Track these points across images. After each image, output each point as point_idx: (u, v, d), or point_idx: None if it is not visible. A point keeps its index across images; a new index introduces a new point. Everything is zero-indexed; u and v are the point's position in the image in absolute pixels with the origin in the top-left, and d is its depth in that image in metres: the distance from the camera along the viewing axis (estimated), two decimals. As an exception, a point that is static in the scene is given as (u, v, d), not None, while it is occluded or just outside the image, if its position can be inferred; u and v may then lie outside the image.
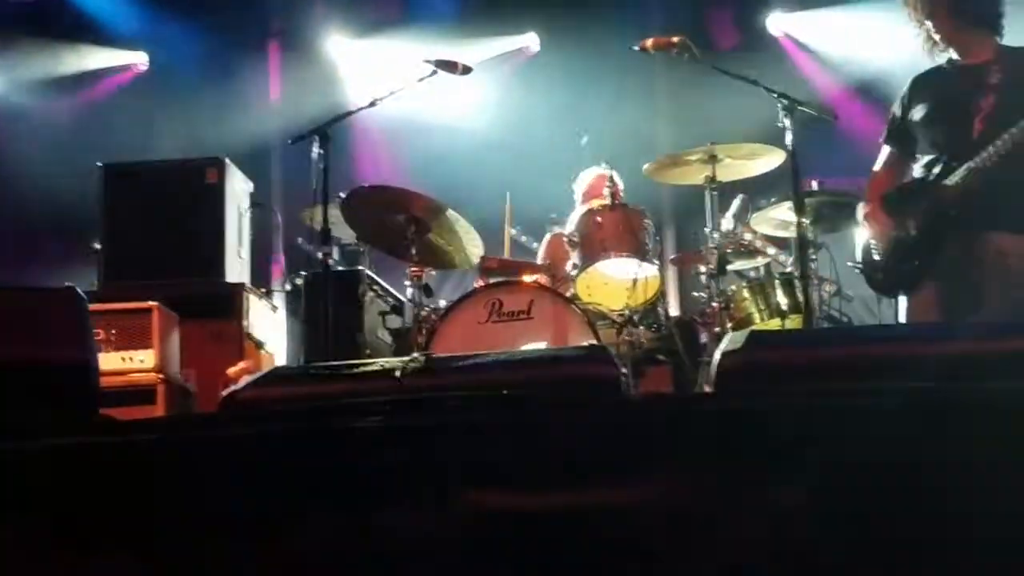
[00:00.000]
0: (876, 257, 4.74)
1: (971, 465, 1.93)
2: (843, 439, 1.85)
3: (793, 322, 5.85)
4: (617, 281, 5.75)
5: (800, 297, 5.48)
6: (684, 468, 2.02)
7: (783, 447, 1.91)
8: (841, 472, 1.83)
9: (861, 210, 4.87)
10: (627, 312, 5.74)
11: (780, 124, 4.98)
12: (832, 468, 1.84)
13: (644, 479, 2.06)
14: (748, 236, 6.09)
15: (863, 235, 4.88)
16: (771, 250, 6.23)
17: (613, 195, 5.90)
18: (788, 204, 5.45)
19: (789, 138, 4.98)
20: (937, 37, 4.66)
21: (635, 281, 5.68)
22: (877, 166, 4.94)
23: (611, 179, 5.98)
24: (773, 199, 5.96)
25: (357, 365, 2.73)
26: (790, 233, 5.76)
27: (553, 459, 2.10)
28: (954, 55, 4.70)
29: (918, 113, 4.73)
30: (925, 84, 4.79)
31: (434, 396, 2.23)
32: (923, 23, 4.68)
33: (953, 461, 1.94)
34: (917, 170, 4.76)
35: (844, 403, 1.86)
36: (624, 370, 2.44)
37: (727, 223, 5.98)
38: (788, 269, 6.05)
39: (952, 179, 4.45)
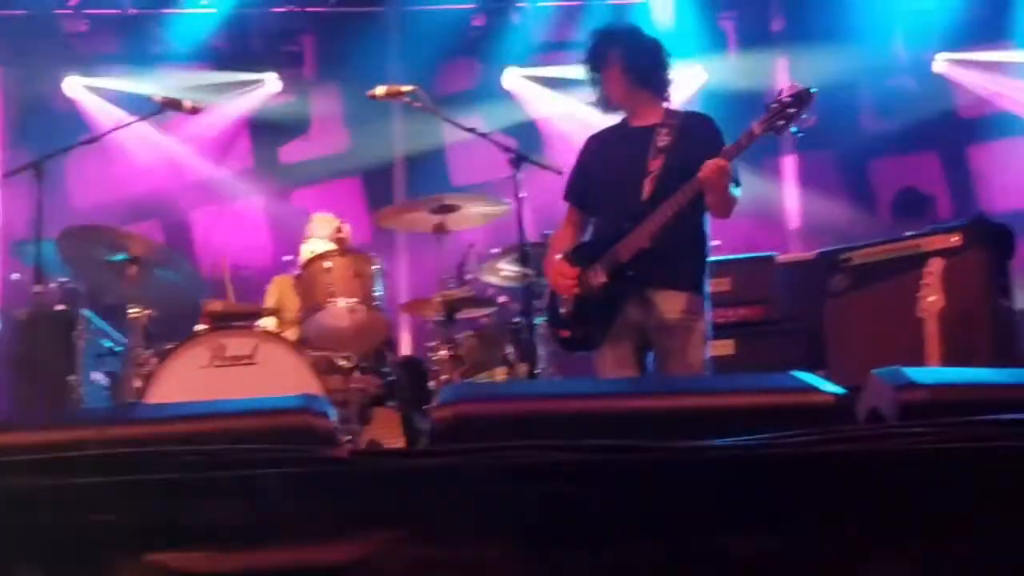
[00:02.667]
0: (562, 312, 4.78)
1: (667, 520, 1.97)
2: (539, 495, 1.86)
3: (519, 372, 5.94)
4: (344, 327, 5.70)
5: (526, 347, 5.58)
6: (389, 525, 1.99)
7: (486, 503, 1.90)
8: (533, 531, 1.84)
9: (545, 265, 4.92)
10: (355, 358, 5.69)
11: (508, 177, 5.07)
12: (525, 525, 1.85)
13: (350, 537, 2.02)
14: (478, 285, 6.16)
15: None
16: (501, 299, 6.33)
17: (340, 241, 5.86)
18: (515, 255, 5.54)
19: (517, 190, 5.07)
20: (610, 97, 4.80)
21: (363, 327, 5.64)
22: (561, 223, 4.99)
23: (339, 227, 5.94)
24: (500, 249, 6.05)
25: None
26: (519, 283, 5.86)
27: (255, 516, 2.03)
28: (626, 116, 4.84)
29: (593, 172, 4.84)
30: (599, 144, 4.92)
31: (132, 451, 2.11)
32: (597, 83, 4.80)
33: (647, 516, 1.97)
34: (597, 228, 4.84)
35: (543, 458, 1.87)
36: (337, 420, 2.38)
37: (457, 272, 6.04)
38: (516, 319, 6.16)
39: (627, 239, 4.55)
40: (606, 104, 4.83)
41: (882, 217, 8.68)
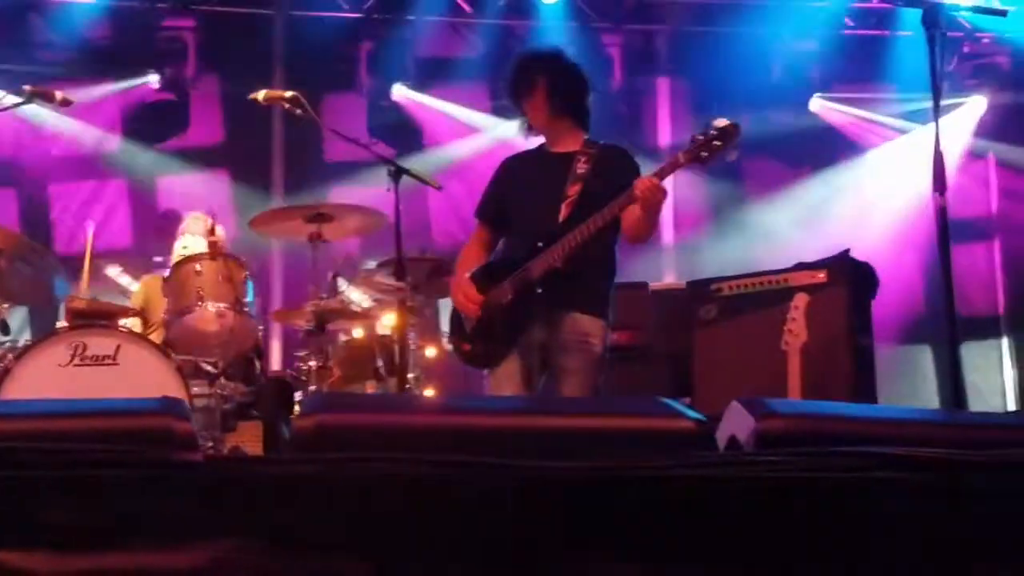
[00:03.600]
0: (466, 328, 4.84)
1: (515, 540, 1.96)
2: (393, 507, 1.84)
3: (389, 385, 5.92)
4: (212, 332, 5.59)
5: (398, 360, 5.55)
6: (240, 533, 1.95)
7: (340, 514, 1.88)
8: (383, 543, 1.82)
9: (451, 282, 4.99)
10: (221, 364, 5.60)
11: (387, 188, 5.05)
12: (377, 537, 1.83)
13: (198, 543, 1.97)
14: (351, 296, 6.12)
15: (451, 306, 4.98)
16: (376, 312, 6.30)
17: (212, 244, 5.75)
18: (392, 267, 5.51)
19: (396, 202, 5.06)
20: (533, 123, 4.87)
21: (231, 333, 5.55)
22: (469, 240, 5.07)
23: (212, 228, 5.84)
24: (377, 262, 6.02)
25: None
26: (394, 296, 5.83)
27: (102, 518, 1.97)
28: (546, 141, 4.92)
29: (510, 193, 4.92)
30: (518, 166, 5.00)
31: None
32: (521, 108, 4.88)
33: (495, 534, 1.95)
34: (509, 248, 4.91)
35: (398, 470, 1.85)
36: (199, 425, 2.32)
37: (331, 282, 5.98)
38: (388, 332, 6.12)
39: (538, 260, 4.61)
40: (528, 129, 4.91)
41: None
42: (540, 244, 4.62)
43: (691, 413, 2.53)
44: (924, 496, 1.64)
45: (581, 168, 4.73)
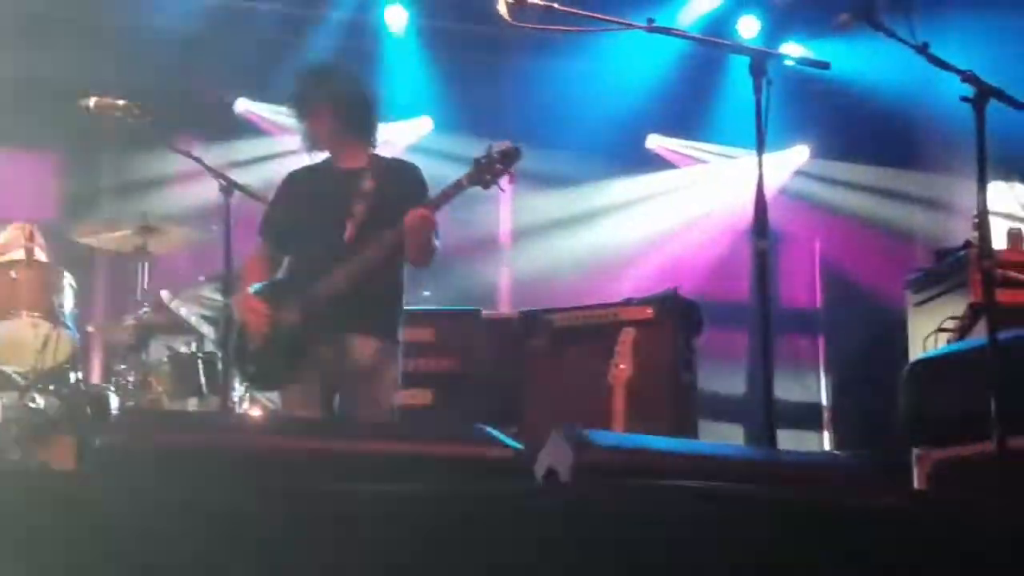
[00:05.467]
0: (249, 347, 4.66)
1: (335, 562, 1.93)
2: (187, 530, 1.78)
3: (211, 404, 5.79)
4: (25, 342, 5.38)
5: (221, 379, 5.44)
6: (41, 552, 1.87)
7: (135, 535, 1.81)
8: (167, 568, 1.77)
9: (235, 301, 4.77)
10: (33, 376, 5.39)
11: (221, 203, 4.93)
12: (166, 559, 1.77)
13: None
14: (177, 311, 5.97)
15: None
16: (204, 328, 6.16)
17: (29, 251, 5.53)
18: (218, 283, 5.39)
19: (227, 217, 4.91)
20: (317, 137, 4.75)
21: (45, 343, 5.35)
22: (252, 257, 4.88)
23: (30, 234, 5.62)
24: (204, 277, 5.89)
25: None
26: (219, 313, 5.70)
27: None
28: (331, 156, 4.81)
29: (293, 211, 4.77)
30: (302, 182, 4.86)
31: None
32: (304, 121, 4.76)
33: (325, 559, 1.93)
34: (294, 266, 4.78)
35: (194, 496, 1.79)
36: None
37: (155, 296, 5.84)
38: (212, 350, 6.00)
39: (324, 280, 4.51)
40: (312, 143, 4.78)
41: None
42: (325, 265, 4.53)
43: (509, 442, 2.55)
44: (722, 527, 1.67)
45: (368, 186, 4.66)
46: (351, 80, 4.86)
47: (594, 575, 1.62)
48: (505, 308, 8.24)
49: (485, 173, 4.41)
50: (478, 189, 4.51)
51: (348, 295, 4.47)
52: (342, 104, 4.70)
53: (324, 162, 4.83)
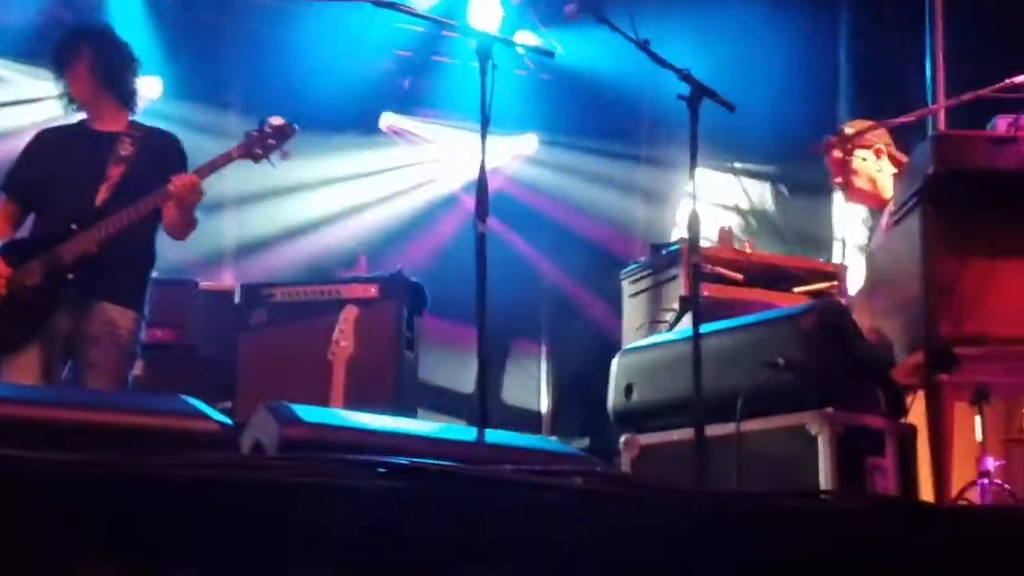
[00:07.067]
0: None
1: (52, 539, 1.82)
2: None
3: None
4: None
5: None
6: None
7: None
8: None
9: None
10: None
11: None
12: None
13: None
14: None
15: None
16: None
17: None
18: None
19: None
20: (75, 96, 4.64)
21: None
22: None
23: None
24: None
25: None
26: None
27: None
28: (88, 118, 4.70)
29: (43, 168, 4.63)
30: (53, 141, 4.72)
31: None
32: (61, 79, 4.64)
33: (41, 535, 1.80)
34: (39, 227, 4.62)
35: None
36: None
37: None
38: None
39: (71, 243, 4.38)
40: (69, 101, 4.65)
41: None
42: (74, 226, 4.39)
43: (216, 415, 2.49)
44: (427, 502, 1.69)
45: (125, 150, 4.56)
46: (110, 39, 4.71)
47: (281, 547, 1.60)
48: (228, 281, 8.04)
49: (256, 147, 4.38)
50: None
51: (96, 259, 4.31)
52: (103, 62, 4.57)
53: (79, 123, 4.68)
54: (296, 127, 4.42)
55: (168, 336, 6.16)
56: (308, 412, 2.49)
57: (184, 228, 4.52)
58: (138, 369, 5.96)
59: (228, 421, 2.48)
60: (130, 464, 1.64)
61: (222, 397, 5.90)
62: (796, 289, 5.55)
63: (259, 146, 4.38)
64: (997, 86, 3.90)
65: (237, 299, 6.26)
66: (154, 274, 6.26)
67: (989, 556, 2.15)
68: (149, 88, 8.43)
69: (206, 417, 2.46)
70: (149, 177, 4.41)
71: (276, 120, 4.41)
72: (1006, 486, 4.30)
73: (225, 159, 4.41)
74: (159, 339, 6.14)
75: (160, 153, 4.59)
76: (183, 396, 2.62)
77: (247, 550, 1.62)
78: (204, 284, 6.54)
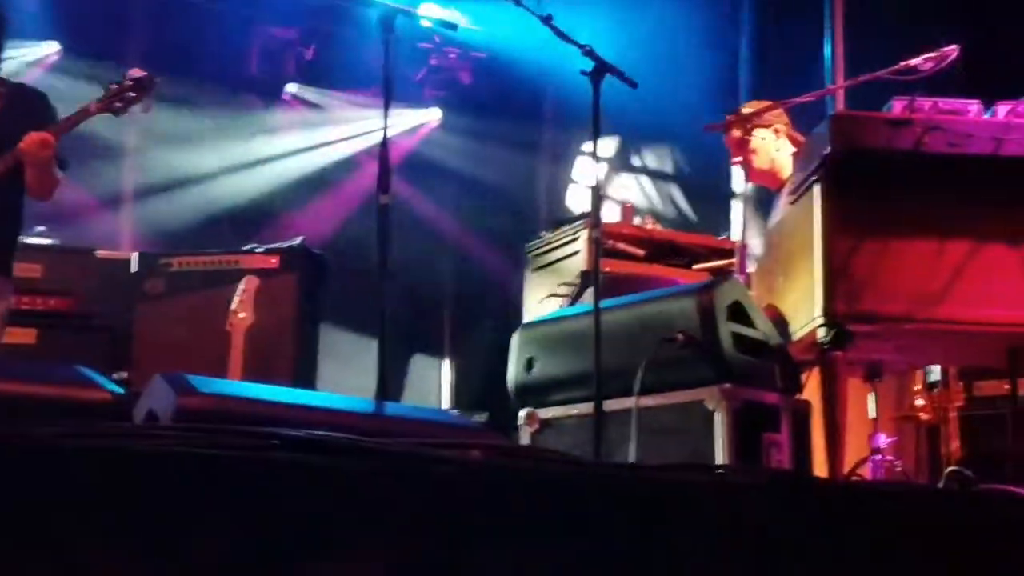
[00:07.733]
0: None
1: None
2: None
3: None
4: None
5: None
6: None
7: None
8: None
9: None
10: None
11: None
12: None
13: None
14: None
15: None
16: None
17: None
18: None
19: None
20: None
21: None
22: None
23: None
24: None
25: None
26: None
27: None
28: None
29: None
30: None
31: None
32: None
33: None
34: None
35: None
36: None
37: None
38: None
39: None
40: None
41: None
42: None
43: (109, 384, 2.44)
44: (321, 475, 1.68)
45: None
46: None
47: (174, 518, 1.58)
48: (126, 249, 7.87)
49: (115, 100, 4.30)
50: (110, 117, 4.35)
51: None
52: None
53: None
54: (156, 78, 4.36)
55: (63, 305, 6.01)
56: (204, 383, 2.46)
57: (43, 189, 4.40)
58: (29, 337, 5.84)
59: (121, 390, 2.44)
60: (15, 433, 1.60)
61: (119, 368, 5.79)
62: (696, 266, 5.62)
63: (119, 99, 4.30)
64: (894, 68, 3.97)
65: (134, 268, 6.11)
66: (49, 241, 6.17)
67: (879, 531, 2.20)
68: (46, 48, 8.27)
69: (97, 386, 2.42)
70: (14, 134, 4.26)
71: (136, 72, 4.35)
72: (897, 463, 4.43)
73: (83, 114, 4.32)
74: (54, 308, 5.99)
75: (27, 109, 4.45)
76: (75, 366, 2.57)
77: (137, 519, 1.59)
78: (101, 253, 6.39)
